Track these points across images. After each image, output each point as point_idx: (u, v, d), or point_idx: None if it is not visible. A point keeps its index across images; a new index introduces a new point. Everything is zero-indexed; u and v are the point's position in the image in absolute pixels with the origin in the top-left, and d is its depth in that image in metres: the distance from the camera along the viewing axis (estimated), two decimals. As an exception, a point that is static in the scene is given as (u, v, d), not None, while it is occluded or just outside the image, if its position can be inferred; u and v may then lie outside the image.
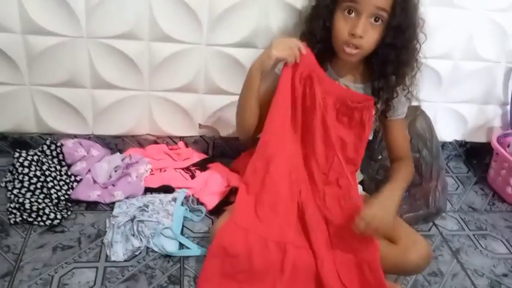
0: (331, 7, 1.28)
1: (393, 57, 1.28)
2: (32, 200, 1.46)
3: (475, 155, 2.06)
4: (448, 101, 1.88)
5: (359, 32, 1.22)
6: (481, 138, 2.03)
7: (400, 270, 1.33)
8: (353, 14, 1.24)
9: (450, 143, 2.01)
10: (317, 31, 1.32)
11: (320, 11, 1.31)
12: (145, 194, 1.60)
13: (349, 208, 1.35)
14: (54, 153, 1.61)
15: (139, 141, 1.75)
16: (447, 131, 1.97)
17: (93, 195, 1.54)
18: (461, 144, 2.03)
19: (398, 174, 1.37)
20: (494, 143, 1.85)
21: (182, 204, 1.57)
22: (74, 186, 1.56)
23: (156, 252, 1.41)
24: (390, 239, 1.31)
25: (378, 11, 1.22)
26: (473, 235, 1.66)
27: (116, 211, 1.50)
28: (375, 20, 1.23)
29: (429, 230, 1.66)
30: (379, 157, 1.60)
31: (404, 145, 1.44)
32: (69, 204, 1.52)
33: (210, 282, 1.26)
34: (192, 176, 1.69)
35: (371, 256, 1.26)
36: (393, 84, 1.34)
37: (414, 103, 1.50)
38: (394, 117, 1.41)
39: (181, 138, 1.78)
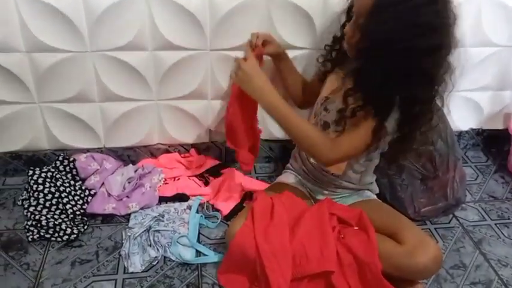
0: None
1: (363, 66, 1.20)
2: (48, 216, 1.47)
3: (493, 142, 2.02)
4: (462, 89, 1.84)
5: (346, 29, 1.28)
6: (498, 125, 1.98)
7: (408, 273, 1.27)
8: None
9: (467, 132, 1.97)
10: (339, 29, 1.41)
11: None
12: (160, 204, 1.60)
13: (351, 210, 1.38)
14: (67, 168, 1.62)
15: (151, 151, 1.75)
16: (463, 120, 1.93)
17: (109, 208, 1.55)
18: (478, 132, 1.99)
19: (309, 126, 1.31)
20: (512, 129, 1.81)
21: (197, 212, 1.57)
22: (89, 200, 1.57)
23: (173, 261, 1.41)
24: (396, 239, 1.27)
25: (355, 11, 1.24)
26: (495, 224, 1.63)
27: (131, 222, 1.51)
28: (357, 23, 1.22)
29: (449, 222, 1.63)
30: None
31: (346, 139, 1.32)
32: (85, 219, 1.53)
33: (228, 274, 1.33)
34: (206, 183, 1.69)
35: (370, 258, 1.24)
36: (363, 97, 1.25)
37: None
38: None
39: (193, 145, 1.78)
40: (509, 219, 1.65)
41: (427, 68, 1.15)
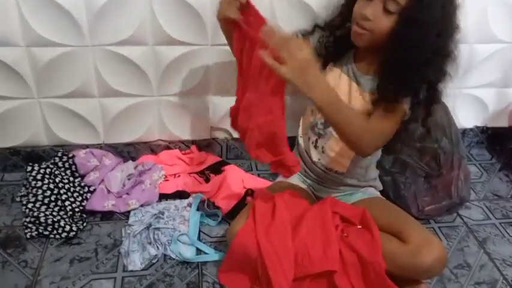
0: None
1: (403, 51, 1.17)
2: (47, 213, 1.45)
3: (497, 140, 1.99)
4: (466, 86, 1.82)
5: (367, 13, 1.19)
6: (503, 123, 1.96)
7: (412, 273, 1.25)
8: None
9: (471, 129, 1.95)
10: (342, 9, 1.31)
11: None
12: (161, 201, 1.58)
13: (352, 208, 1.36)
14: (66, 164, 1.60)
15: (152, 148, 1.73)
16: (467, 117, 1.91)
17: (108, 205, 1.53)
18: (483, 130, 1.97)
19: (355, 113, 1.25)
20: (517, 127, 1.79)
21: (198, 209, 1.55)
22: (88, 197, 1.55)
23: (173, 259, 1.39)
24: (400, 237, 1.25)
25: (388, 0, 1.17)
26: (500, 223, 1.61)
27: (131, 220, 1.49)
28: (389, 8, 1.18)
29: (453, 220, 1.61)
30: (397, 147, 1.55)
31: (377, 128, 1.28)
32: (84, 216, 1.51)
33: (229, 273, 1.31)
34: (207, 180, 1.67)
35: (374, 258, 1.22)
36: (401, 84, 1.22)
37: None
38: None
39: (193, 142, 1.76)
40: (514, 218, 1.64)
41: (451, 51, 1.21)
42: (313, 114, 1.42)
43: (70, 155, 1.62)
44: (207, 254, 1.41)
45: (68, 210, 1.48)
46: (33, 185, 1.51)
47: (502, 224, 1.60)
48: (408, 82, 1.21)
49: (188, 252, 1.40)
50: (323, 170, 1.45)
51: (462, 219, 1.62)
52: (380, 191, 1.51)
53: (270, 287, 1.19)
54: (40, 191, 1.50)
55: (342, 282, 1.24)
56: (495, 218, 1.63)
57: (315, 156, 1.44)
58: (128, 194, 1.57)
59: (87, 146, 1.68)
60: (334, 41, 1.36)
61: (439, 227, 1.57)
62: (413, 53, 1.17)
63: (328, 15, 1.36)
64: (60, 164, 1.59)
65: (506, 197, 1.74)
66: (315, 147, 1.43)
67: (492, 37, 1.71)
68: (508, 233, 1.56)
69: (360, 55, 1.34)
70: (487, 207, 1.68)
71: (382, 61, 1.26)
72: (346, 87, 1.34)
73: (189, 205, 1.55)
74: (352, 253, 1.26)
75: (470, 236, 1.54)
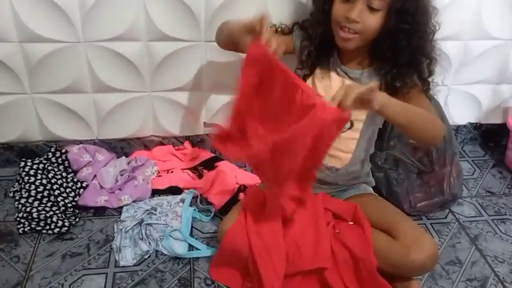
0: None
1: (405, 43, 1.21)
2: (40, 208, 1.46)
3: (491, 137, 2.00)
4: (460, 83, 1.82)
5: (353, 16, 1.18)
6: (497, 120, 1.96)
7: (403, 270, 1.25)
8: None
9: (464, 126, 1.95)
10: (316, 14, 1.30)
11: None
12: (153, 197, 1.58)
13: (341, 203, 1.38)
14: (59, 160, 1.60)
15: (145, 143, 1.73)
16: (460, 114, 1.91)
17: (101, 200, 1.53)
18: (476, 126, 1.97)
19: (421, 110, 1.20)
20: (511, 124, 1.79)
21: (191, 205, 1.55)
22: (81, 192, 1.55)
23: (165, 255, 1.39)
24: (392, 234, 1.26)
25: None
26: (492, 220, 1.61)
27: (123, 215, 1.49)
28: (374, 6, 1.18)
29: (445, 217, 1.61)
30: (390, 144, 1.55)
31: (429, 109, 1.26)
32: (77, 211, 1.51)
33: (220, 269, 1.32)
34: (200, 176, 1.67)
35: (365, 254, 1.22)
36: (406, 73, 1.25)
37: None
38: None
39: (187, 137, 1.76)
40: (505, 214, 1.64)
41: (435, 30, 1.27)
42: None
43: (63, 151, 1.62)
44: (199, 249, 1.41)
45: (61, 205, 1.48)
46: (26, 180, 1.51)
47: (494, 221, 1.61)
48: (414, 70, 1.25)
49: (180, 248, 1.40)
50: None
51: (454, 215, 1.62)
52: (372, 187, 1.51)
53: (260, 283, 1.20)
54: (33, 187, 1.50)
55: (333, 279, 1.24)
56: (487, 214, 1.64)
57: None
58: (120, 189, 1.57)
59: (80, 142, 1.67)
60: (316, 48, 1.34)
61: (431, 224, 1.57)
62: (413, 39, 1.21)
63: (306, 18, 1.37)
64: (53, 160, 1.60)
65: (498, 193, 1.75)
66: None
67: (486, 34, 1.71)
68: (500, 230, 1.57)
69: (346, 54, 1.33)
70: (479, 203, 1.68)
71: (374, 53, 1.26)
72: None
73: (182, 201, 1.56)
74: (344, 250, 1.26)
75: (462, 233, 1.55)
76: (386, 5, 1.17)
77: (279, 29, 1.44)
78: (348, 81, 1.33)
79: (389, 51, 1.24)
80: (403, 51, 1.23)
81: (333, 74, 1.35)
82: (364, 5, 1.18)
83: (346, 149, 1.38)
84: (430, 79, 1.29)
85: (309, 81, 1.37)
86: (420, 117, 1.16)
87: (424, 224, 1.57)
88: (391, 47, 1.23)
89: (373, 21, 1.19)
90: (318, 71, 1.37)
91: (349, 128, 1.34)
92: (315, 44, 1.33)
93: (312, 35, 1.32)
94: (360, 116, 1.33)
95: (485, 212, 1.65)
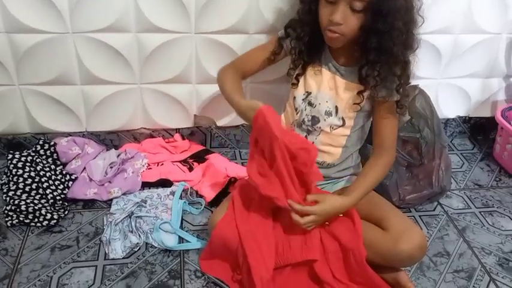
0: None
1: (375, 43, 1.22)
2: (28, 201, 1.44)
3: (479, 130, 2.01)
4: (449, 76, 1.83)
5: (336, 19, 1.20)
6: (486, 113, 1.98)
7: (392, 261, 1.27)
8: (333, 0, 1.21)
9: (453, 119, 1.96)
10: (303, 14, 1.31)
11: None
12: (143, 189, 1.57)
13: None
14: (48, 152, 1.58)
15: (135, 136, 1.72)
16: (450, 107, 1.92)
17: (90, 193, 1.52)
18: (465, 120, 1.98)
19: (371, 173, 1.33)
20: (499, 117, 1.80)
21: (181, 198, 1.55)
22: (70, 185, 1.54)
23: (155, 247, 1.39)
24: (381, 225, 1.27)
25: (353, 1, 1.18)
26: (480, 212, 1.62)
27: (113, 208, 1.49)
28: (356, 7, 1.19)
29: (434, 209, 1.62)
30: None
31: (389, 134, 1.35)
32: (66, 204, 1.50)
33: (210, 261, 1.32)
34: (190, 169, 1.66)
35: (354, 245, 1.23)
36: (378, 71, 1.26)
37: (413, 82, 1.44)
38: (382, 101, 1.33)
39: (177, 130, 1.75)
40: (493, 207, 1.65)
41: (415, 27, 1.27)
42: (298, 112, 1.41)
43: (52, 143, 1.60)
44: (189, 242, 1.41)
45: (50, 198, 1.47)
46: (14, 173, 1.50)
47: (482, 213, 1.62)
48: (388, 67, 1.26)
49: (170, 241, 1.40)
50: None
51: (443, 208, 1.63)
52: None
53: (250, 275, 1.20)
54: (21, 179, 1.49)
55: (322, 271, 1.25)
56: (475, 207, 1.65)
57: None
58: (110, 182, 1.56)
59: (69, 134, 1.66)
60: (306, 46, 1.36)
61: (419, 216, 1.59)
62: (385, 41, 1.21)
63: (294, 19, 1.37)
64: (41, 152, 1.58)
65: (486, 186, 1.76)
66: None
67: (476, 28, 1.72)
68: (488, 222, 1.58)
69: (336, 50, 1.34)
70: (467, 196, 1.70)
71: (362, 51, 1.27)
72: (332, 83, 1.35)
73: (172, 193, 1.55)
74: (334, 241, 1.27)
75: (450, 225, 1.56)
76: (367, 6, 1.19)
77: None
78: (338, 77, 1.33)
79: (363, 50, 1.26)
80: (374, 51, 1.24)
81: (324, 70, 1.36)
82: (347, 7, 1.20)
83: (338, 144, 1.39)
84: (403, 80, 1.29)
85: (302, 78, 1.39)
86: (375, 182, 1.33)
87: (413, 216, 1.58)
88: (364, 46, 1.25)
89: (354, 23, 1.22)
90: (310, 67, 1.38)
91: (341, 126, 1.35)
92: (305, 42, 1.35)
93: (301, 34, 1.34)
94: (351, 114, 1.34)
95: (473, 204, 1.66)
